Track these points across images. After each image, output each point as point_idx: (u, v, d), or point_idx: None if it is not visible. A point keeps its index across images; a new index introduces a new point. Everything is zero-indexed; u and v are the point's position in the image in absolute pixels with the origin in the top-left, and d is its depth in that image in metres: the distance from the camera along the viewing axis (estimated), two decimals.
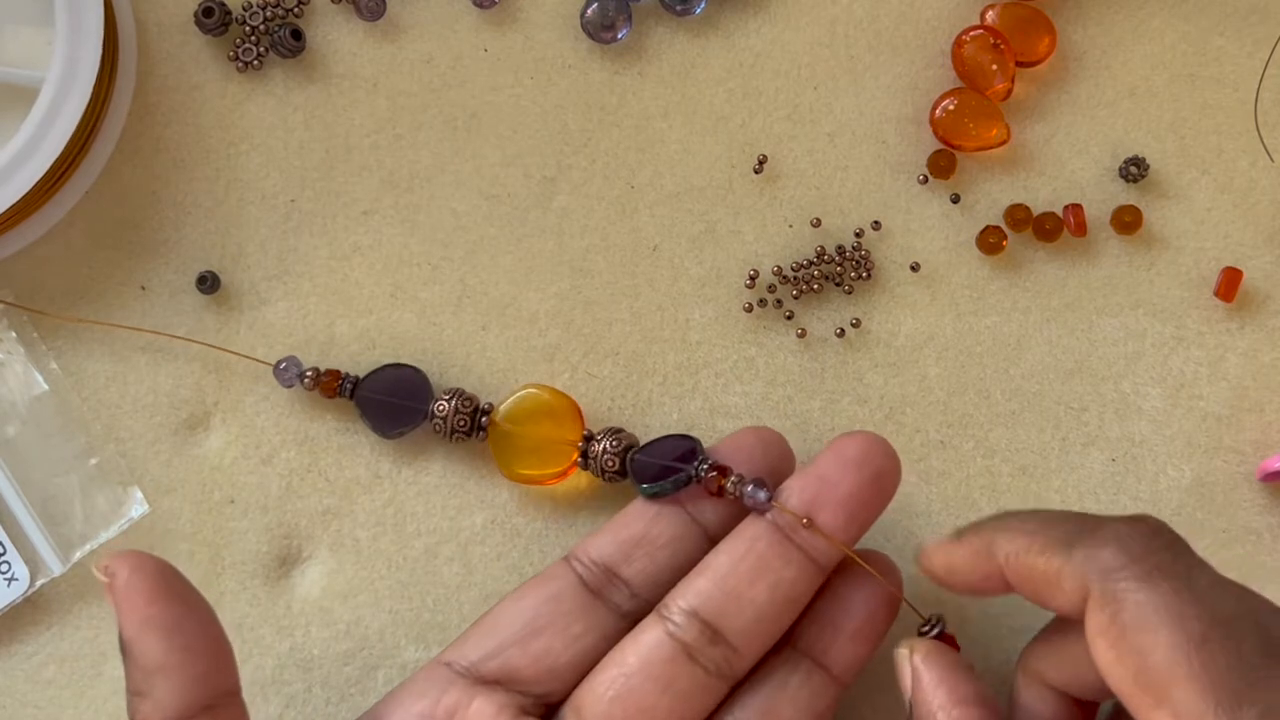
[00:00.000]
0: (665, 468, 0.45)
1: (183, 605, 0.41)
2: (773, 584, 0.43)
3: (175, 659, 0.40)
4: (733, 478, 0.45)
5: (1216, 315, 0.50)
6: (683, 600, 0.43)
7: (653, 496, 0.46)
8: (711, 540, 0.45)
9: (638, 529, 0.45)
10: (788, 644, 0.44)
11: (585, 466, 0.48)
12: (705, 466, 0.45)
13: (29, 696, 0.48)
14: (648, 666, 0.42)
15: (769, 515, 0.44)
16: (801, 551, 0.43)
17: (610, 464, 0.47)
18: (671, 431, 0.48)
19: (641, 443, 0.47)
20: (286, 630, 0.49)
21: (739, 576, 0.43)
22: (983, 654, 0.49)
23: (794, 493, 0.44)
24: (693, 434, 0.47)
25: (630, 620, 0.44)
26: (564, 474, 0.48)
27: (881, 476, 0.44)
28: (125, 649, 0.40)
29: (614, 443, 0.47)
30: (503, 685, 0.43)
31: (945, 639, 0.44)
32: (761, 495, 0.44)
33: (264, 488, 0.49)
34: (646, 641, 0.43)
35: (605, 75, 0.51)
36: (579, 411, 0.48)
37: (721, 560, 0.43)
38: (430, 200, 0.50)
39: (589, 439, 0.48)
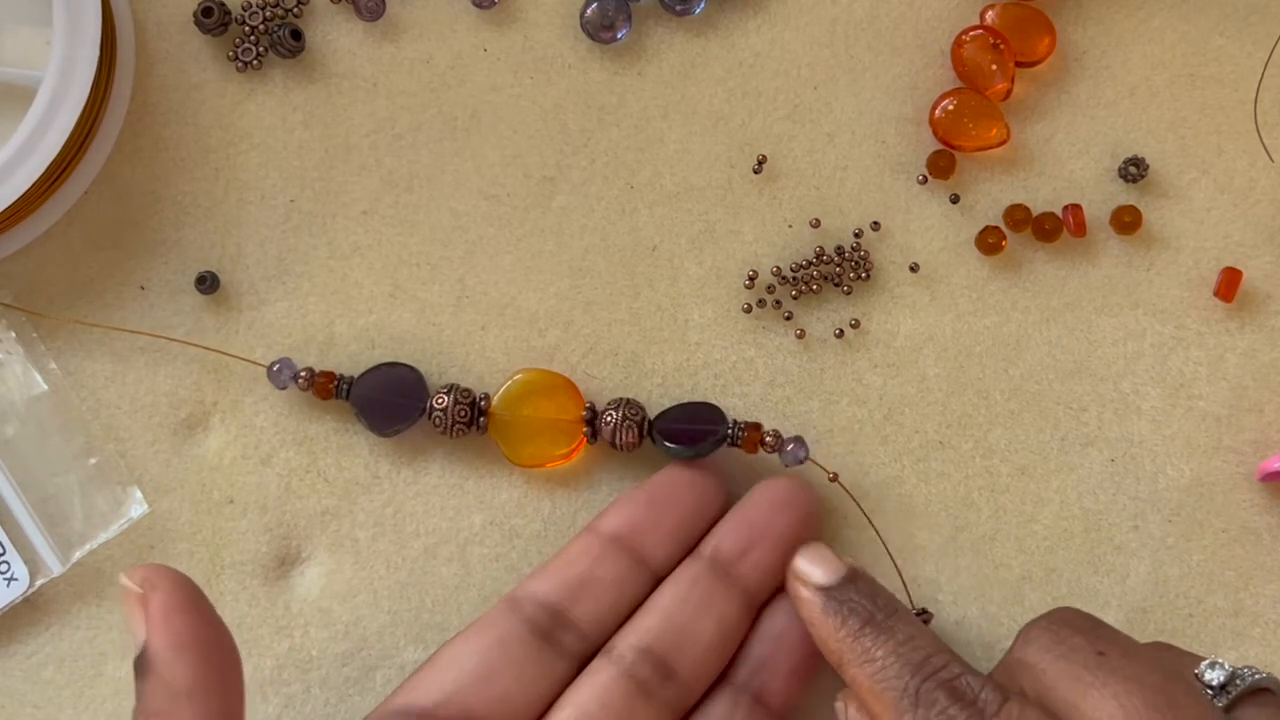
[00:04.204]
0: (701, 431, 0.47)
1: (214, 631, 0.41)
2: (718, 619, 0.45)
3: (204, 686, 0.39)
4: (768, 433, 0.48)
5: (1216, 315, 0.50)
6: (634, 638, 0.44)
7: (691, 459, 0.48)
8: (656, 578, 0.46)
9: (582, 568, 0.46)
10: (725, 680, 0.46)
11: (593, 440, 0.48)
12: (739, 427, 0.48)
13: (28, 696, 0.48)
14: (606, 708, 0.43)
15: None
16: (738, 588, 0.45)
17: (630, 433, 0.48)
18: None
19: (650, 413, 0.49)
20: (285, 630, 0.49)
21: (686, 613, 0.45)
22: (984, 654, 0.49)
23: (725, 537, 0.46)
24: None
25: (578, 662, 0.45)
26: (572, 452, 0.49)
27: (808, 519, 0.47)
28: (149, 667, 0.39)
29: (632, 410, 0.48)
30: None
31: None
32: (802, 453, 0.48)
33: (263, 488, 0.49)
34: (601, 682, 0.43)
35: (605, 75, 0.51)
36: (575, 388, 0.49)
37: (666, 599, 0.45)
38: (430, 200, 0.50)
39: (592, 412, 0.48)
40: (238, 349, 0.49)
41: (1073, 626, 0.43)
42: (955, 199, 0.51)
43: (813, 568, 0.45)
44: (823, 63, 0.51)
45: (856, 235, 0.50)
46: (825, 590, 0.44)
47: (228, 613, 0.48)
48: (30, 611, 0.48)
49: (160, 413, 0.49)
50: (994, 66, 0.50)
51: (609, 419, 0.48)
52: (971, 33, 0.50)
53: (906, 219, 0.51)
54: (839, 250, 0.50)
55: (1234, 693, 0.41)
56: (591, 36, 0.51)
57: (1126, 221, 0.50)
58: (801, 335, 0.50)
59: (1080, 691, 0.40)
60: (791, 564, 0.45)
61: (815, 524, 0.47)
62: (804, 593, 0.45)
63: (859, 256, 0.50)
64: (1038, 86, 0.51)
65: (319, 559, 0.49)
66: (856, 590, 0.44)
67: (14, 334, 0.49)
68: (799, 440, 0.48)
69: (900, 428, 0.50)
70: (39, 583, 0.48)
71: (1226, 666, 0.41)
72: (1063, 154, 0.51)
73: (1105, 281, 0.51)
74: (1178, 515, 0.50)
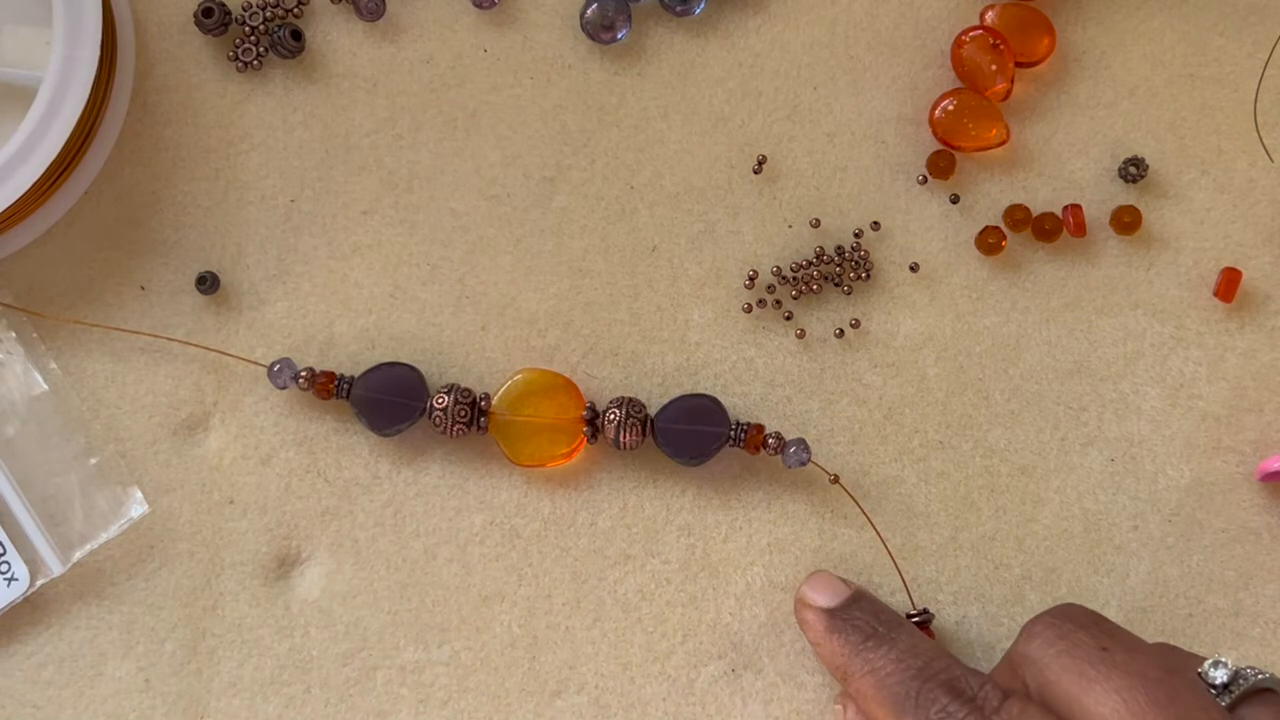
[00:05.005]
0: (706, 434, 0.48)
1: None
2: None
3: None
4: (771, 435, 0.48)
5: (1216, 315, 0.50)
6: None
7: (694, 466, 0.49)
8: None
9: None
10: None
11: (593, 439, 0.48)
12: (741, 427, 0.48)
13: (28, 696, 0.48)
14: None
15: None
16: None
17: (633, 432, 0.48)
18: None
19: (650, 409, 0.49)
20: (286, 631, 0.49)
21: None
22: (984, 654, 0.49)
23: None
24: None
25: None
26: (573, 452, 0.49)
27: None
28: None
29: (635, 409, 0.48)
30: None
31: (924, 630, 0.47)
32: (804, 455, 0.48)
33: (263, 488, 0.49)
34: None
35: (605, 75, 0.51)
36: (575, 388, 0.49)
37: None
38: (430, 200, 0.50)
39: (593, 411, 0.48)
40: (238, 349, 0.49)
41: (1076, 622, 0.43)
42: (955, 199, 0.51)
43: (817, 593, 0.47)
44: (823, 63, 0.51)
45: (856, 235, 0.50)
46: (829, 611, 0.46)
47: (228, 613, 0.49)
48: (30, 611, 0.48)
49: (160, 413, 0.49)
50: (994, 67, 0.50)
51: (612, 417, 0.48)
52: (971, 33, 0.50)
53: (906, 219, 0.51)
54: (839, 250, 0.50)
55: (1237, 692, 0.41)
56: (591, 37, 0.51)
57: (1126, 221, 0.50)
58: (801, 335, 0.50)
59: (1083, 686, 0.40)
60: (798, 591, 0.47)
61: None
62: (809, 616, 0.47)
63: (859, 256, 0.50)
64: (1038, 86, 0.51)
65: (319, 559, 0.49)
66: (860, 609, 0.46)
67: (14, 334, 0.49)
68: (801, 442, 0.48)
69: (900, 428, 0.50)
70: (39, 583, 0.48)
71: (1230, 666, 0.41)
72: (1063, 154, 0.51)
73: (1105, 281, 0.51)
74: (1178, 515, 0.50)
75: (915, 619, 0.48)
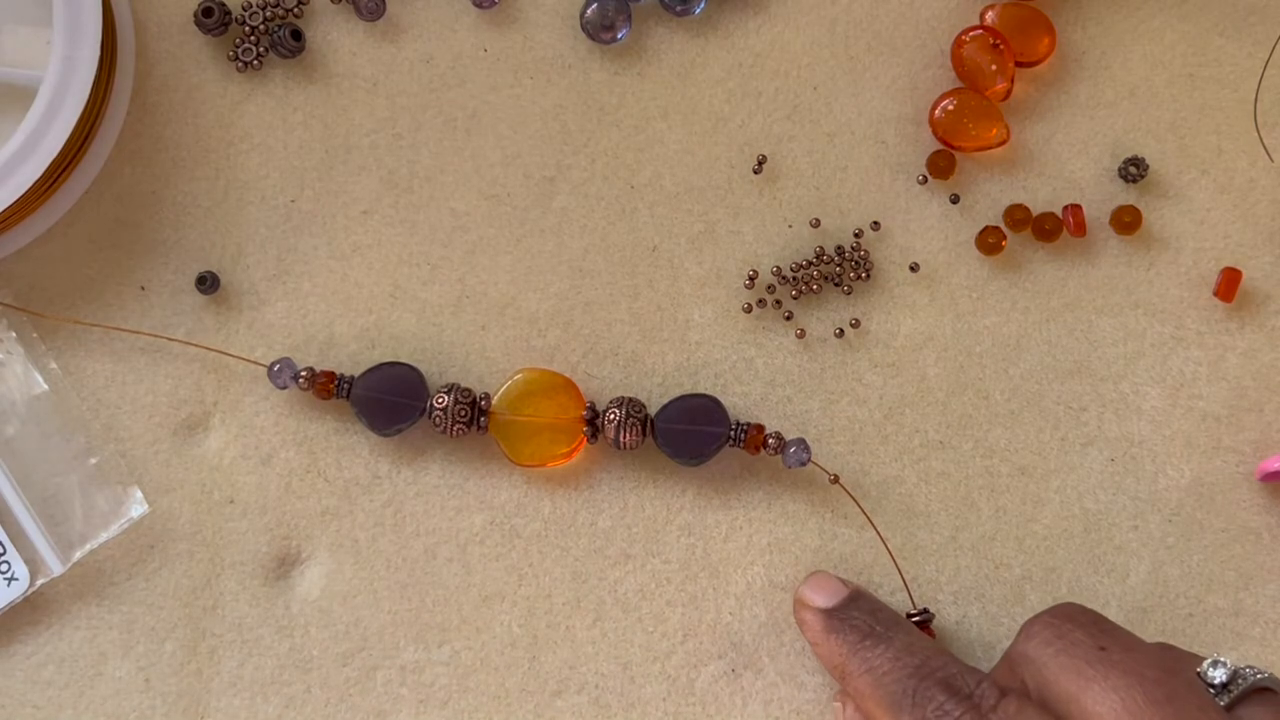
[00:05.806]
0: (706, 434, 0.48)
1: None
2: None
3: None
4: (771, 435, 0.48)
5: (1216, 315, 0.50)
6: None
7: (694, 466, 0.49)
8: None
9: None
10: None
11: (593, 439, 0.48)
12: (741, 428, 0.48)
13: (28, 696, 0.48)
14: None
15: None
16: None
17: (633, 432, 0.48)
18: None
19: (650, 409, 0.49)
20: (286, 631, 0.49)
21: None
22: (985, 653, 0.49)
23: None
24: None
25: None
26: (573, 452, 0.49)
27: None
28: None
29: (635, 409, 0.48)
30: None
31: (925, 630, 0.47)
32: (804, 455, 0.48)
33: (263, 488, 0.49)
34: None
35: (605, 75, 0.51)
36: (575, 387, 0.49)
37: None
38: (430, 200, 0.50)
39: (593, 411, 0.48)
40: (238, 349, 0.49)
41: (1075, 622, 0.43)
42: (955, 199, 0.51)
43: (815, 594, 0.47)
44: (823, 63, 0.51)
45: (856, 235, 0.50)
46: (827, 611, 0.46)
47: (228, 613, 0.49)
48: (30, 611, 0.48)
49: (160, 413, 0.49)
50: (994, 66, 0.50)
51: (612, 417, 0.48)
52: (971, 33, 0.50)
53: (906, 219, 0.51)
54: (839, 250, 0.50)
55: (1236, 691, 0.41)
56: (591, 37, 0.51)
57: (1126, 221, 0.50)
58: (801, 335, 0.50)
59: (1081, 685, 0.40)
60: (796, 591, 0.47)
61: None
62: (807, 616, 0.47)
63: (859, 256, 0.50)
64: (1038, 86, 0.51)
65: (319, 559, 0.49)
66: (857, 609, 0.46)
67: (14, 334, 0.49)
68: (801, 442, 0.48)
69: (900, 428, 0.50)
70: (39, 583, 0.48)
71: (1229, 665, 0.42)
72: (1063, 154, 0.51)
73: (1105, 281, 0.51)
74: (1178, 515, 0.50)
75: (915, 619, 0.48)
